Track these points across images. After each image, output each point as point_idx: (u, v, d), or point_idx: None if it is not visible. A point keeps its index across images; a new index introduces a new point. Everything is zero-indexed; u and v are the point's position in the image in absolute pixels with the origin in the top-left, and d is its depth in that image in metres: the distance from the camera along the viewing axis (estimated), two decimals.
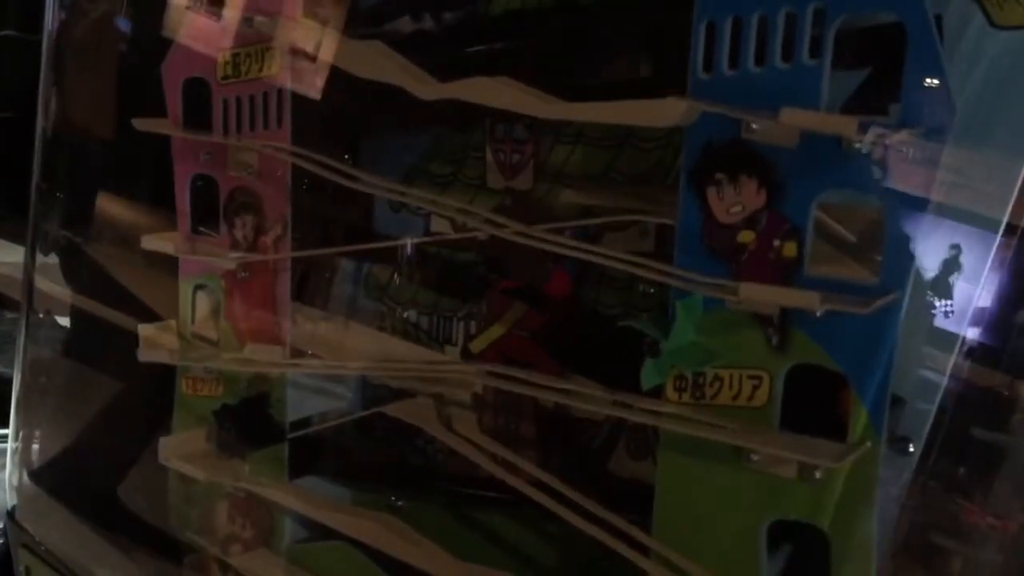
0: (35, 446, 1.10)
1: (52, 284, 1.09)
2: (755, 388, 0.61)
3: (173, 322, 0.94)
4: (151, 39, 0.88)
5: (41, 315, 1.12)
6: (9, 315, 1.17)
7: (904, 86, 0.53)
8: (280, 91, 0.83)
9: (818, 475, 0.60)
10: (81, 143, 1.08)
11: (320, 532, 0.89)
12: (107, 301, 1.00)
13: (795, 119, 0.53)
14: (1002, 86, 0.60)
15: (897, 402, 0.62)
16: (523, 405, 0.83)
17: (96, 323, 1.02)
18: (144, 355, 0.92)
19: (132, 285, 0.97)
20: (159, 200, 0.91)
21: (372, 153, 0.88)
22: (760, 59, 0.58)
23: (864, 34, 0.60)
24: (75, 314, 1.10)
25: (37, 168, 1.09)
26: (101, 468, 1.02)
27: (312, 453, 0.91)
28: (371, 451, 0.91)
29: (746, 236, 0.60)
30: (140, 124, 0.90)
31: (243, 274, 0.88)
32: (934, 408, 0.65)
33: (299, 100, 0.83)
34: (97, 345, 1.06)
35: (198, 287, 0.92)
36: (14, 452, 1.09)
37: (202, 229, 0.91)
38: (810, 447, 0.58)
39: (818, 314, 0.58)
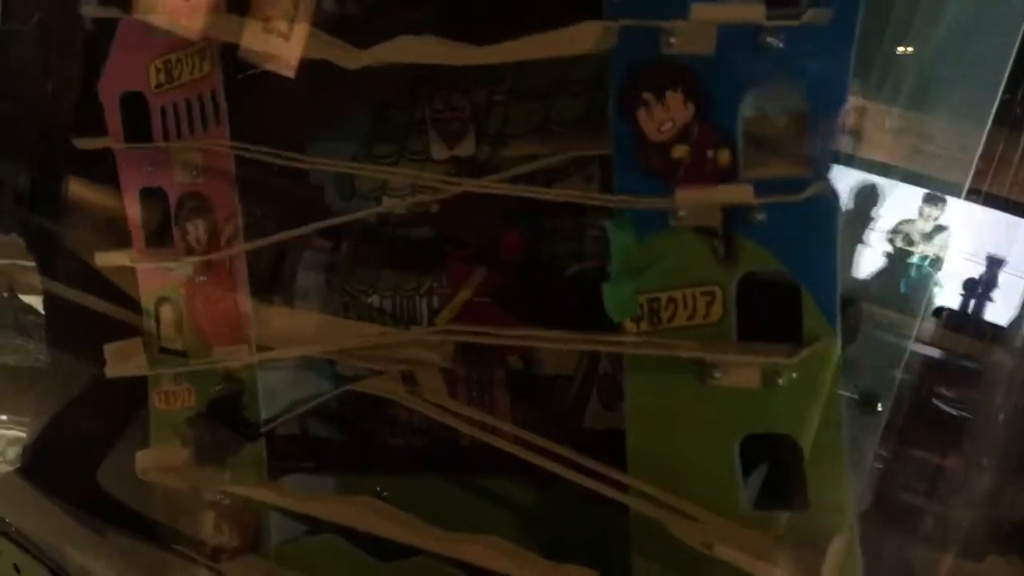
0: (3, 431, 1.08)
1: (15, 266, 1.08)
2: (709, 304, 0.61)
3: (138, 341, 0.93)
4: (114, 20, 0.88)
5: (6, 295, 1.10)
6: None
7: None
8: (214, 90, 0.83)
9: (781, 382, 0.59)
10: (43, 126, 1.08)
11: (307, 529, 0.88)
12: (75, 283, 0.99)
13: (704, 13, 0.53)
14: (960, 47, 0.60)
15: (851, 304, 0.62)
16: (493, 372, 0.82)
17: (66, 305, 1.00)
18: (112, 371, 0.91)
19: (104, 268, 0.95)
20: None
21: (317, 147, 0.87)
22: None
23: None
24: (46, 297, 1.08)
25: None
26: (75, 451, 1.00)
27: (291, 452, 0.90)
28: (349, 440, 0.91)
29: (680, 150, 0.60)
30: (82, 144, 0.90)
31: (201, 278, 0.87)
32: (900, 370, 0.65)
33: (233, 99, 0.83)
34: (68, 328, 1.05)
35: (161, 300, 0.92)
36: None
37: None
38: (766, 350, 0.58)
39: (759, 218, 0.58)
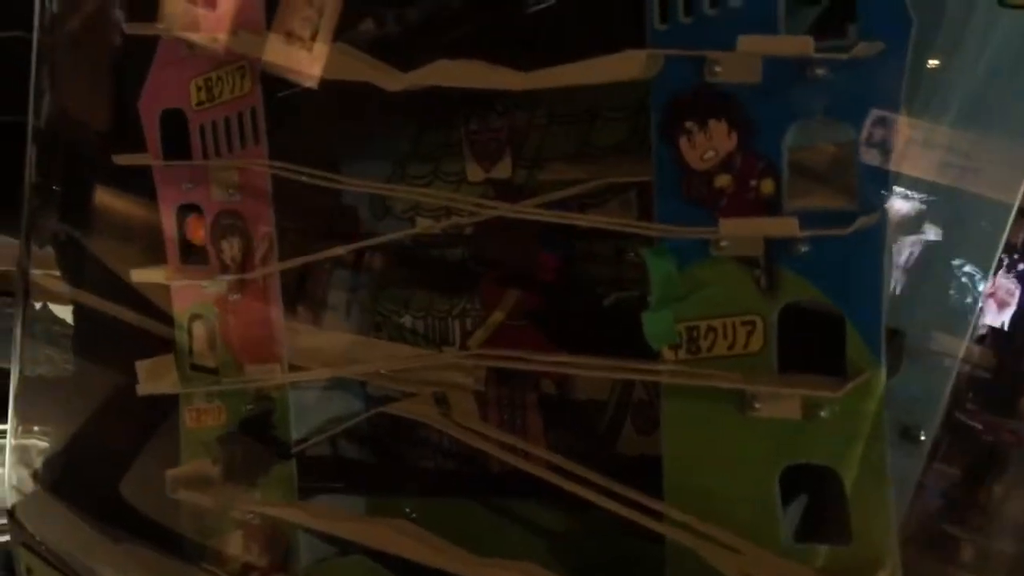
0: (35, 441, 1.08)
1: (48, 276, 1.08)
2: (749, 334, 0.61)
3: (171, 358, 0.93)
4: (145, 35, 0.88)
5: (38, 307, 1.10)
6: (8, 310, 1.15)
7: (860, 6, 0.53)
8: (254, 108, 0.83)
9: (823, 414, 0.59)
10: (76, 136, 1.08)
11: (337, 550, 0.88)
12: (104, 294, 0.99)
13: (752, 45, 0.53)
14: (1011, 68, 0.60)
15: (896, 335, 0.62)
16: (526, 396, 0.82)
17: (94, 317, 1.01)
18: (144, 388, 0.91)
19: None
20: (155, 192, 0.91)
21: (352, 166, 0.87)
22: (714, 1, 0.58)
23: None
24: (75, 308, 1.09)
25: (31, 162, 1.09)
26: (101, 464, 1.00)
27: (321, 472, 0.90)
28: (379, 461, 0.90)
29: (723, 180, 0.59)
30: (121, 160, 0.91)
31: (235, 296, 0.88)
32: (946, 395, 0.64)
33: (274, 118, 0.84)
34: (95, 338, 1.05)
35: (194, 316, 0.92)
36: (13, 449, 1.07)
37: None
38: (809, 383, 0.57)
39: (803, 249, 0.57)
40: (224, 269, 0.88)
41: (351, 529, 0.82)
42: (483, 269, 0.83)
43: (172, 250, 0.90)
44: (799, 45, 0.52)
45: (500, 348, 0.80)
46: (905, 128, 0.55)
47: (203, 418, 0.92)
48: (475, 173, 0.82)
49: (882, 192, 0.56)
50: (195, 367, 0.93)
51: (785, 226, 0.55)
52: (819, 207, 0.56)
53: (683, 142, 0.60)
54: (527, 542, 0.79)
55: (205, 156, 0.86)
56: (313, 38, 0.77)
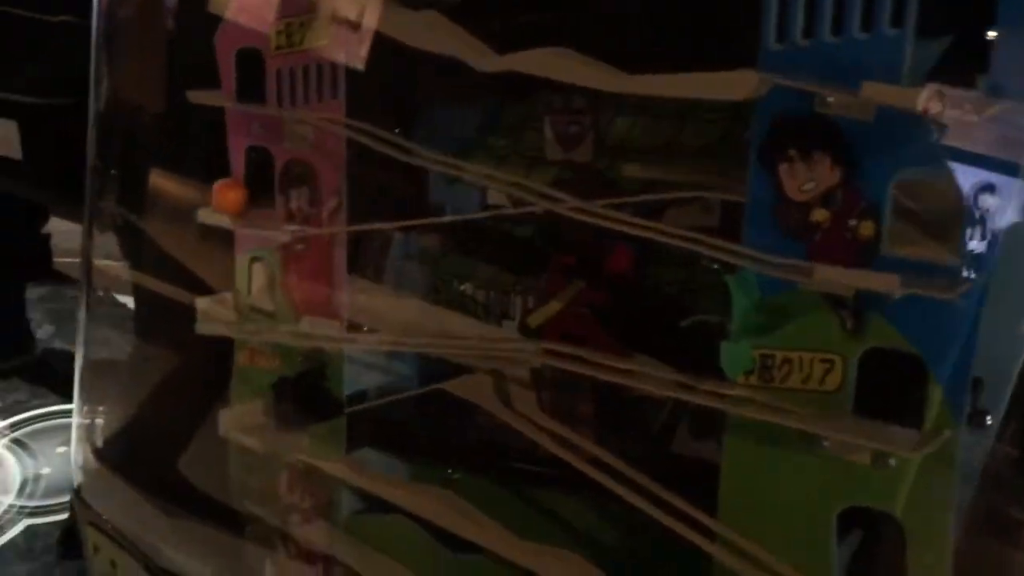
0: (99, 421, 1.10)
1: (109, 261, 1.09)
2: (827, 372, 0.59)
3: (229, 295, 0.94)
4: (200, 13, 0.86)
5: (100, 293, 1.11)
6: (71, 293, 1.17)
7: (994, 59, 0.50)
8: (334, 64, 0.81)
9: (892, 462, 0.58)
10: (134, 120, 1.08)
11: (378, 503, 0.89)
12: (164, 276, 1.00)
13: (875, 93, 0.50)
14: None
15: (977, 384, 0.60)
16: (582, 381, 0.82)
17: (154, 298, 1.01)
18: (201, 328, 0.92)
19: (187, 259, 0.96)
20: (212, 173, 0.90)
21: (427, 125, 0.86)
22: (837, 28, 0.55)
23: None
24: (135, 290, 1.10)
25: (92, 147, 1.09)
26: (161, 443, 1.02)
27: (370, 426, 0.91)
28: (429, 425, 0.91)
29: (820, 215, 0.57)
30: (195, 97, 0.89)
31: (299, 247, 0.87)
32: (1012, 379, 0.62)
33: (353, 71, 0.82)
34: (155, 320, 1.06)
35: (254, 259, 0.92)
36: (78, 429, 1.09)
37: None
38: (885, 434, 0.56)
39: (896, 296, 0.56)
40: (290, 218, 0.87)
41: (394, 493, 0.83)
42: (552, 251, 0.82)
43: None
44: (929, 103, 0.49)
45: (560, 330, 0.80)
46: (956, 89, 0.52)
47: (256, 359, 0.93)
48: (554, 152, 0.80)
49: (989, 253, 0.53)
50: (253, 309, 0.93)
51: (885, 283, 0.53)
52: (921, 258, 0.54)
53: (783, 169, 0.58)
54: (564, 530, 0.80)
55: (280, 103, 0.84)
56: (360, 17, 0.75)
